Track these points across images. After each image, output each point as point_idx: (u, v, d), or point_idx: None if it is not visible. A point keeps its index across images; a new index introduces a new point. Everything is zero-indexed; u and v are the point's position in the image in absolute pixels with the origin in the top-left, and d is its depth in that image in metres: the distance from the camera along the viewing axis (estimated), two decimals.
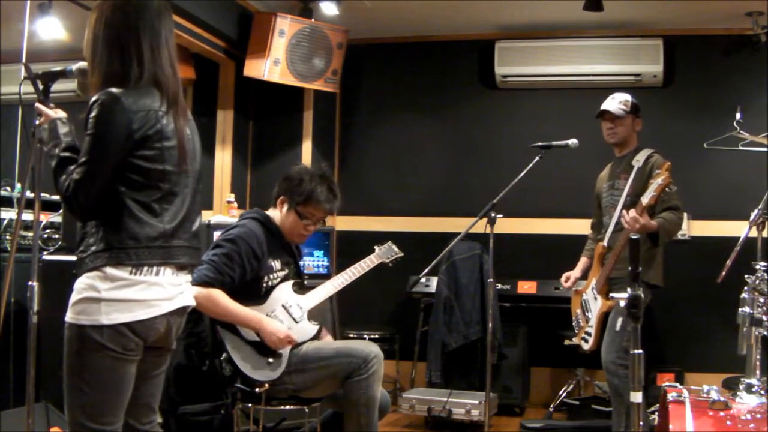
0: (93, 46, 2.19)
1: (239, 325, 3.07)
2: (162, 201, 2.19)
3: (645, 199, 3.57)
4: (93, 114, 2.10)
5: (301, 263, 3.46)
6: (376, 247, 3.45)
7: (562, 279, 4.21)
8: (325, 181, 3.23)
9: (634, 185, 3.86)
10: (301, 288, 3.29)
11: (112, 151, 2.10)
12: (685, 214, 3.88)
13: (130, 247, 2.12)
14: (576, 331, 4.08)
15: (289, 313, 3.20)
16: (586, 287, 4.00)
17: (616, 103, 3.95)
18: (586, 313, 3.96)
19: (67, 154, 2.18)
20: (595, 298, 3.88)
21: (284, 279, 3.24)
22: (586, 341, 3.94)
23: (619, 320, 3.68)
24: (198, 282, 2.96)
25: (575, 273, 4.18)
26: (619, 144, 4.00)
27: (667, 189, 3.53)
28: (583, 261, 4.22)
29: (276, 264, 3.20)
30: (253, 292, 3.12)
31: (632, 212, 3.60)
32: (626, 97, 3.98)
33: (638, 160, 3.90)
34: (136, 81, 2.16)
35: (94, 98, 2.12)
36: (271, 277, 3.18)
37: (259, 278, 3.14)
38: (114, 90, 2.12)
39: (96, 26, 2.19)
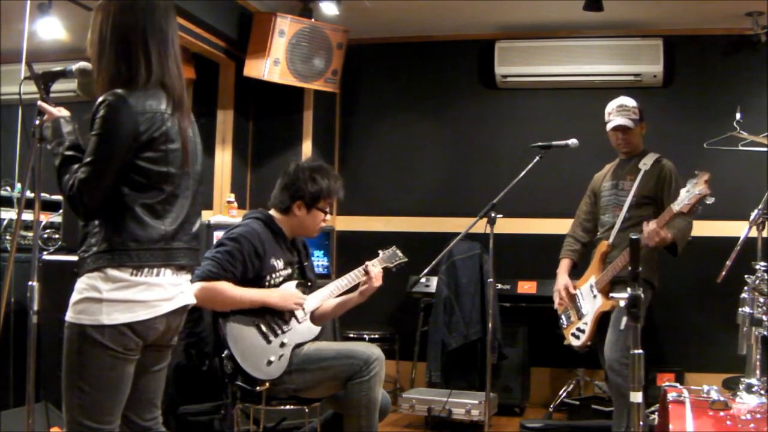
0: (99, 46, 2.18)
1: (247, 307, 3.09)
2: (164, 203, 2.19)
3: (676, 207, 3.51)
4: (100, 114, 2.10)
5: (308, 263, 3.45)
6: (380, 252, 3.44)
7: (562, 293, 4.03)
8: (329, 171, 3.31)
9: (640, 187, 3.86)
10: (304, 288, 3.29)
11: (118, 153, 2.10)
12: None
13: (131, 248, 2.12)
14: (564, 327, 4.06)
15: (292, 314, 3.20)
16: (581, 283, 3.99)
17: (626, 114, 3.92)
18: (580, 310, 3.96)
19: (71, 152, 2.18)
20: (594, 296, 3.87)
21: (287, 278, 3.25)
22: (577, 337, 3.93)
23: (624, 319, 3.65)
24: (201, 277, 2.97)
25: (567, 281, 4.05)
26: (630, 151, 4.00)
27: (705, 200, 3.44)
28: (566, 263, 4.11)
29: (278, 263, 3.21)
30: None
31: (652, 224, 3.57)
32: (632, 103, 3.96)
33: (645, 163, 3.90)
34: (143, 83, 2.16)
35: (100, 99, 2.12)
36: (274, 276, 3.19)
37: (261, 277, 3.14)
38: (121, 91, 2.11)
39: (102, 27, 2.18)
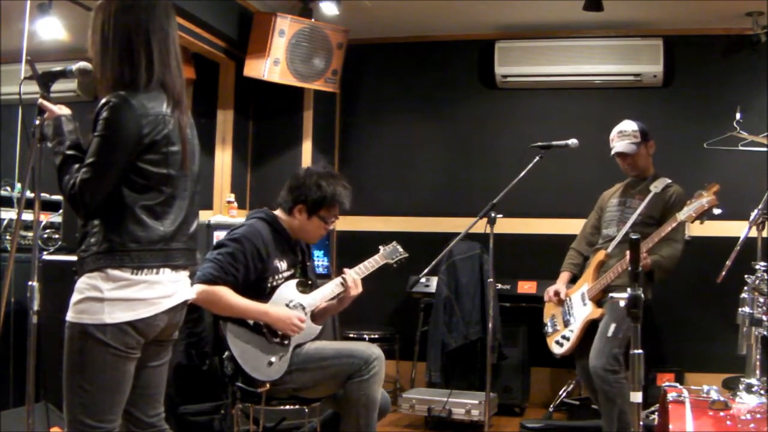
0: (102, 47, 2.17)
1: (245, 319, 3.08)
2: (163, 204, 2.20)
3: (681, 216, 3.56)
4: (103, 116, 2.11)
5: (310, 263, 3.44)
6: (381, 248, 3.43)
7: (551, 294, 4.09)
8: (338, 180, 3.24)
9: (648, 207, 3.89)
10: (305, 287, 3.28)
11: (120, 154, 2.11)
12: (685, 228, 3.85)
13: (132, 249, 2.13)
14: (548, 334, 4.07)
15: None
16: (573, 291, 4.00)
17: (626, 139, 3.93)
18: (567, 317, 3.96)
19: (72, 152, 2.18)
20: (585, 304, 3.88)
21: (289, 278, 3.23)
22: (561, 345, 3.94)
23: (612, 326, 3.67)
24: (202, 280, 2.96)
25: (562, 288, 4.09)
26: (639, 174, 4.01)
27: (711, 210, 3.49)
28: (565, 276, 4.16)
29: (282, 265, 3.20)
30: (257, 292, 3.11)
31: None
32: (632, 126, 3.96)
33: (656, 186, 3.94)
34: (146, 84, 2.16)
35: (104, 100, 2.12)
36: (276, 277, 3.18)
37: (264, 279, 3.13)
38: (125, 93, 2.12)
39: (104, 27, 2.17)
